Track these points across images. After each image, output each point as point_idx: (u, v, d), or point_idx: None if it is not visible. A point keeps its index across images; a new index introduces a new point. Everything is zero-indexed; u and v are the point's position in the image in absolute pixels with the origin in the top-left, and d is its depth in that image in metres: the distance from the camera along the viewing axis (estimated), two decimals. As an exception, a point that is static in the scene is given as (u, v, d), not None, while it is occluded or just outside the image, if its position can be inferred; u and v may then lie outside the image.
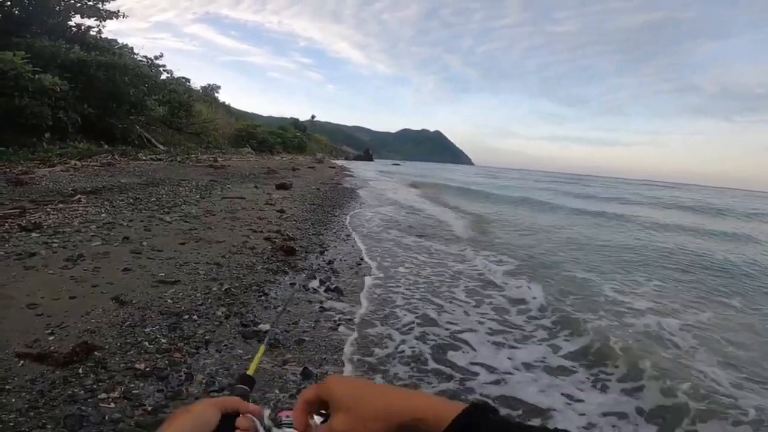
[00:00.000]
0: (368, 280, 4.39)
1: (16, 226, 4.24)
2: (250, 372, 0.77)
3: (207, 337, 2.63)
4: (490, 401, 2.31)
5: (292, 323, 3.08)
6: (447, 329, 3.36)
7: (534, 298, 4.33)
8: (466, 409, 0.47)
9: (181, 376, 2.19)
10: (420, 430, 0.48)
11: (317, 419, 0.57)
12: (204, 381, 2.18)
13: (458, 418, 0.46)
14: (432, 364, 2.78)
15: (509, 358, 2.99)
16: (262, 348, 0.90)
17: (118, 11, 15.25)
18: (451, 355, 2.93)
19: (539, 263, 6.10)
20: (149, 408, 1.89)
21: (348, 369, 2.59)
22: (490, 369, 2.81)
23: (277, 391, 2.21)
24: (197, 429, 0.55)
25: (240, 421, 0.60)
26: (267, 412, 0.78)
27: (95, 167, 9.93)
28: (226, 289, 3.45)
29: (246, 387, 0.73)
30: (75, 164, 9.74)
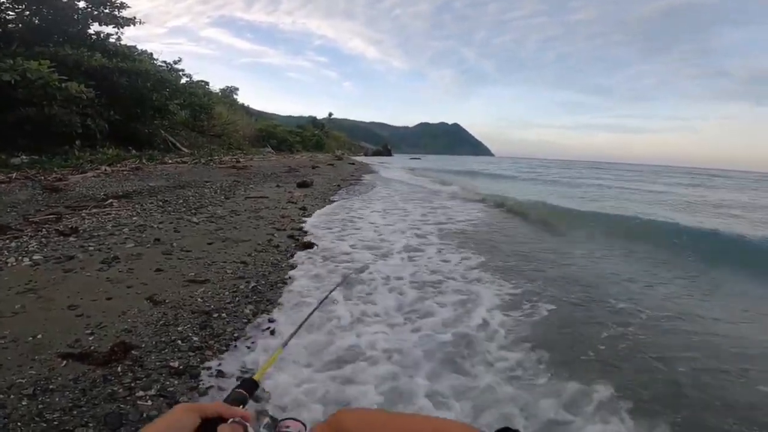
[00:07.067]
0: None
1: (53, 231, 4.44)
2: (257, 377, 0.72)
3: (236, 335, 2.68)
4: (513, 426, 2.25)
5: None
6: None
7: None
8: None
9: (212, 373, 2.24)
10: None
11: None
12: (234, 378, 2.22)
13: None
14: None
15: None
16: (280, 350, 0.83)
17: (135, 18, 15.32)
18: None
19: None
20: (184, 405, 1.94)
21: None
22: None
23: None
24: None
25: (223, 428, 0.56)
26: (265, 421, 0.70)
27: (125, 172, 10.28)
28: (252, 287, 3.51)
29: (244, 392, 0.68)
30: (106, 170, 10.10)
